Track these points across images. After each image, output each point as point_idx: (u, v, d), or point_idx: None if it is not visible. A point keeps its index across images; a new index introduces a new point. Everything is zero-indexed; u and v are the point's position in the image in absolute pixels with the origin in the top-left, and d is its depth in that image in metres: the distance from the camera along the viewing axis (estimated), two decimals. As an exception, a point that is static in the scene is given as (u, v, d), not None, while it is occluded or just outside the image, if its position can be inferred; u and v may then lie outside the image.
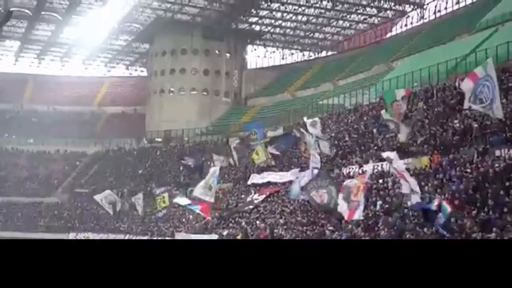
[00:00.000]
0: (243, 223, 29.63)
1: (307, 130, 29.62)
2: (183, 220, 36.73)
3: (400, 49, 48.76)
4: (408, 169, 20.30)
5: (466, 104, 17.89)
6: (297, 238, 22.52)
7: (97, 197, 40.16)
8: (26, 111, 65.96)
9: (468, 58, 29.97)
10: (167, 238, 33.68)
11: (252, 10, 55.78)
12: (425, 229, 15.64)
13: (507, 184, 15.76)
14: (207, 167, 41.22)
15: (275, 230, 25.19)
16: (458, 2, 49.14)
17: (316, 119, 31.13)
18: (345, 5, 54.79)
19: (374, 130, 28.38)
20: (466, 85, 17.67)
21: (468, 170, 18.10)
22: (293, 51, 66.83)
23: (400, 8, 55.62)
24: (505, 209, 14.78)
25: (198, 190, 30.16)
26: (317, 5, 54.25)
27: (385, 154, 19.48)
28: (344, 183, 20.47)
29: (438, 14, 51.40)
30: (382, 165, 24.16)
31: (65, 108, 66.07)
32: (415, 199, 16.50)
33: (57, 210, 51.30)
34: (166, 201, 37.80)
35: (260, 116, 54.65)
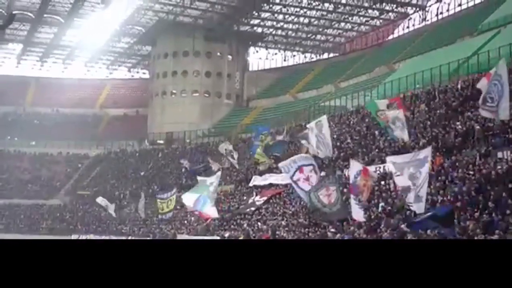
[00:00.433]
0: (245, 225, 29.59)
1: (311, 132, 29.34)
2: (185, 222, 36.72)
3: (402, 51, 48.74)
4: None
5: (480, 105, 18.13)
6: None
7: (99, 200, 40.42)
8: (28, 113, 66.09)
9: (470, 60, 29.94)
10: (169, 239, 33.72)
11: (254, 12, 55.81)
12: (428, 231, 15.60)
13: (509, 186, 15.73)
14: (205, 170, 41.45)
15: (277, 232, 25.16)
16: (460, 4, 49.11)
17: (322, 119, 30.14)
18: (347, 7, 54.80)
19: (376, 132, 28.37)
20: (482, 85, 17.76)
21: (471, 172, 18.06)
22: (295, 53, 66.85)
23: (402, 10, 55.61)
24: (508, 211, 14.75)
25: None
26: (319, 7, 54.27)
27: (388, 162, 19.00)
28: (352, 182, 20.37)
29: (440, 16, 51.40)
30: (384, 166, 24.13)
31: (67, 111, 66.21)
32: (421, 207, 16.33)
33: (60, 212, 51.36)
34: (172, 204, 37.77)
35: (262, 118, 54.66)
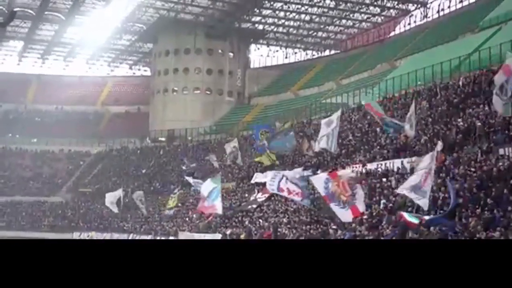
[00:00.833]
0: (247, 222, 29.65)
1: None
2: (187, 219, 36.78)
3: (404, 48, 48.68)
4: (412, 168, 20.33)
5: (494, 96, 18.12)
6: (301, 237, 22.53)
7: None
8: (29, 111, 66.16)
9: (472, 57, 29.89)
10: (171, 238, 33.77)
11: (255, 9, 55.75)
12: (432, 228, 15.64)
13: (511, 182, 15.73)
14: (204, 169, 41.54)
15: (279, 229, 25.20)
16: (461, 1, 48.98)
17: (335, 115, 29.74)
18: (348, 4, 54.72)
19: (378, 129, 28.36)
20: (499, 78, 17.77)
21: (472, 169, 18.06)
22: (296, 50, 66.77)
23: (404, 7, 55.53)
24: (509, 208, 14.76)
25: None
26: (320, 4, 54.19)
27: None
28: (324, 194, 20.58)
29: (441, 13, 51.27)
30: (385, 163, 24.15)
31: (69, 108, 66.29)
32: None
33: (61, 210, 51.42)
34: (175, 201, 37.90)
35: (263, 115, 54.67)
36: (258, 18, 58.97)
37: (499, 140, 19.28)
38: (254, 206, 31.40)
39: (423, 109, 26.53)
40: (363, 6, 55.15)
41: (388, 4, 54.74)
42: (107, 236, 41.69)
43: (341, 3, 54.07)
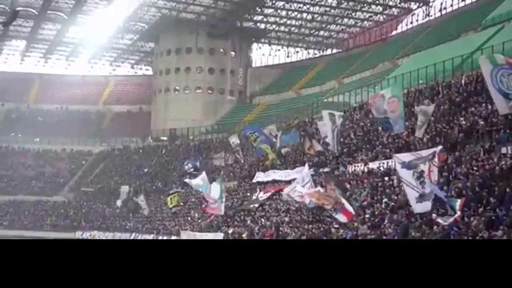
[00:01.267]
0: (249, 221, 29.65)
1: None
2: (189, 218, 36.79)
3: (406, 47, 48.60)
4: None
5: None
6: (303, 236, 22.52)
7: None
8: (32, 110, 66.25)
9: (474, 56, 29.80)
10: (173, 237, 33.82)
11: (257, 8, 55.73)
12: (435, 227, 15.62)
13: (513, 181, 15.70)
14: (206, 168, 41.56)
15: (281, 228, 25.19)
16: (464, 0, 48.96)
17: (338, 113, 29.77)
18: (350, 3, 54.66)
19: (380, 128, 28.30)
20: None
21: (475, 168, 18.03)
22: (298, 49, 66.72)
23: (406, 6, 55.46)
24: (512, 207, 14.73)
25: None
26: (322, 3, 54.14)
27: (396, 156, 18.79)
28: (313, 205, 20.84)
29: (443, 12, 51.18)
30: (387, 162, 24.11)
31: (71, 107, 66.36)
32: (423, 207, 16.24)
33: (64, 209, 51.50)
34: (175, 200, 37.88)
35: (265, 114, 54.62)
36: (260, 17, 58.96)
37: (502, 139, 19.24)
38: (256, 205, 31.40)
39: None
40: (365, 4, 55.09)
41: (390, 3, 54.68)
42: (109, 235, 41.75)
43: (343, 2, 54.01)
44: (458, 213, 15.29)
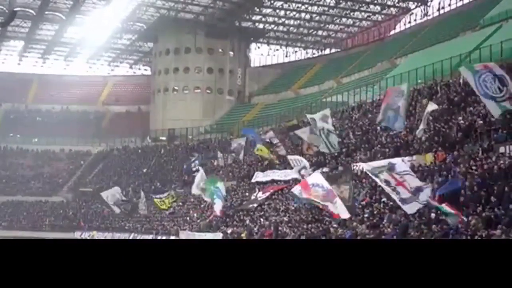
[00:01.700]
0: (247, 221, 29.66)
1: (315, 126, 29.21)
2: (188, 218, 36.80)
3: (404, 46, 48.66)
4: (412, 166, 20.31)
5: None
6: (302, 236, 22.52)
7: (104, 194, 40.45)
8: (30, 110, 66.23)
9: (472, 55, 29.86)
10: (172, 237, 33.81)
11: (256, 8, 55.76)
12: (434, 226, 15.62)
13: (512, 180, 15.72)
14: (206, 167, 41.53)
15: (279, 228, 25.20)
16: (461, -1, 49.01)
17: (327, 112, 30.12)
18: (349, 3, 54.71)
19: (378, 128, 28.33)
20: None
21: (473, 167, 18.04)
22: (296, 49, 66.80)
23: (404, 5, 55.52)
24: (511, 206, 14.74)
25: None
26: (321, 2, 54.19)
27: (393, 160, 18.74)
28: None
29: (442, 11, 51.30)
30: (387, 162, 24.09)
31: (69, 108, 66.35)
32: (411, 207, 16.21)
33: (62, 209, 51.47)
34: (167, 203, 37.89)
35: (264, 114, 54.66)
36: (258, 17, 59.00)
37: (500, 138, 19.26)
38: (255, 205, 31.40)
39: (424, 107, 26.47)
40: (364, 4, 55.15)
41: (389, 3, 54.74)
42: (108, 235, 41.72)
43: (341, 1, 54.06)
44: (453, 212, 15.29)
